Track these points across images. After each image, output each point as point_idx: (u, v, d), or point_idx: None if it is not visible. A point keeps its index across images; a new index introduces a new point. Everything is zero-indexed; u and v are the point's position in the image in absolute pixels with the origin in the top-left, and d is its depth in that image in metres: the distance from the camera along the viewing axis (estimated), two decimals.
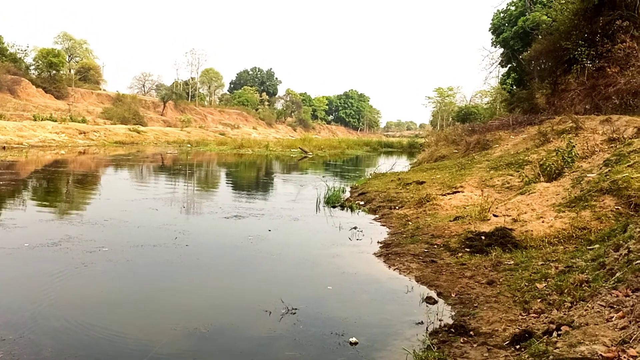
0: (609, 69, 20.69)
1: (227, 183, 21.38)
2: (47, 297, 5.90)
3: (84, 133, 44.47)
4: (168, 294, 6.40)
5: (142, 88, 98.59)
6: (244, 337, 5.09)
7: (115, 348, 4.73)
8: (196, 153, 39.50)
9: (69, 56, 79.98)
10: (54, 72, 67.08)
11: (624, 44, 20.49)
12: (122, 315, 5.54)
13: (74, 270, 6.93)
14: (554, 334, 4.29)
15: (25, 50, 66.24)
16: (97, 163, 27.62)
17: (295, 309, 5.63)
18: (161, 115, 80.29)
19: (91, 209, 12.59)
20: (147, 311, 5.75)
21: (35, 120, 45.79)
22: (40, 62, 66.16)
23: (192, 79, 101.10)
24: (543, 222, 8.23)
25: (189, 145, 48.68)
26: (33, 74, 66.29)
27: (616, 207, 7.88)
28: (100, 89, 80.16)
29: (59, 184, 17.61)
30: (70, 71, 76.88)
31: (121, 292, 6.34)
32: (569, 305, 4.90)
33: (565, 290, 5.21)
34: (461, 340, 4.74)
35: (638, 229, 5.71)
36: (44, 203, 13.23)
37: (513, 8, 35.22)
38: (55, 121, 46.60)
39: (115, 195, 15.04)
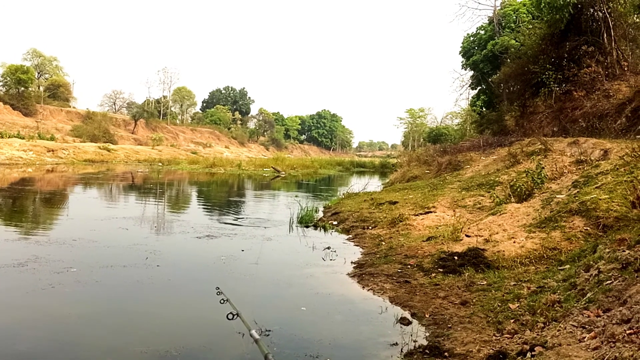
0: (575, 93, 21.24)
1: (198, 202, 21.16)
2: (13, 320, 5.72)
3: (53, 151, 43.70)
4: (138, 315, 6.27)
5: (113, 106, 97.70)
6: None
7: None
8: (167, 172, 39.09)
9: (39, 73, 78.81)
10: (23, 88, 66.07)
11: (590, 68, 21.13)
12: (91, 338, 5.38)
13: (41, 291, 6.74)
14: (528, 354, 4.32)
15: None
16: (66, 181, 27.09)
17: (269, 330, 5.56)
18: (132, 133, 79.44)
19: (59, 228, 12.31)
20: (117, 333, 5.60)
21: (1, 137, 44.83)
22: (8, 78, 65.06)
23: (164, 97, 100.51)
24: (514, 242, 8.33)
25: (160, 164, 48.06)
26: (0, 90, 65.13)
27: (585, 227, 8.03)
28: (70, 107, 79.08)
29: (25, 203, 17.20)
30: (39, 88, 75.79)
31: (90, 314, 6.17)
32: (542, 325, 4.94)
33: (538, 311, 5.26)
34: None
35: (607, 250, 5.82)
36: (10, 222, 12.88)
37: (483, 32, 36.02)
38: (23, 138, 45.76)
39: (84, 214, 14.74)
